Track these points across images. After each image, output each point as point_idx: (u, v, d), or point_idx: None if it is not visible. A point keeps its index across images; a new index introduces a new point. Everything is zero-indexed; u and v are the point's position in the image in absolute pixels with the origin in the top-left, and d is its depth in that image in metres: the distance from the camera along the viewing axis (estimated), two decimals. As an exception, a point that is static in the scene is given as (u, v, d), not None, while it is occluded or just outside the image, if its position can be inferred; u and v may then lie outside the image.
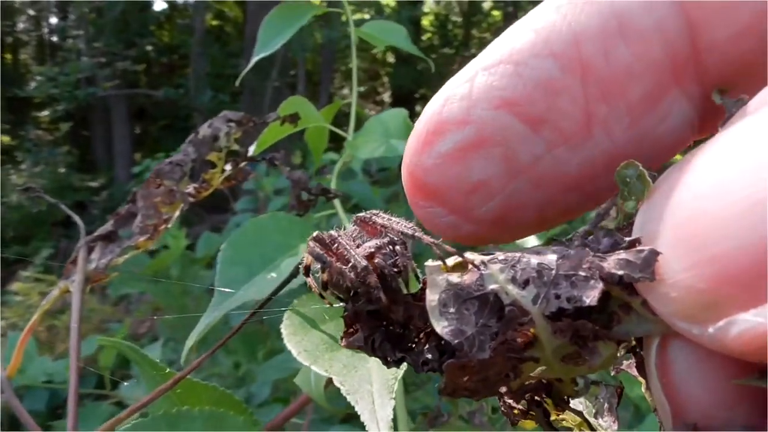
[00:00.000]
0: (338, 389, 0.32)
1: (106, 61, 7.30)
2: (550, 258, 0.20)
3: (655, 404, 0.21)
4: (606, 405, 0.33)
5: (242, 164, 0.65)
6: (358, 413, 0.31)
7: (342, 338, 0.23)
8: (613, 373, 0.31)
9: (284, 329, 0.37)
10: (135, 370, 1.68)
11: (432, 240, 0.22)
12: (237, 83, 0.81)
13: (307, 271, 0.26)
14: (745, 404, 0.18)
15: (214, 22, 9.73)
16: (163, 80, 8.63)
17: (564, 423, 0.27)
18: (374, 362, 0.33)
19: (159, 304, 2.98)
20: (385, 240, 0.23)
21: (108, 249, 0.62)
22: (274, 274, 0.51)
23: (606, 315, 0.20)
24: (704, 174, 0.17)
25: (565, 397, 0.24)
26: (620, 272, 0.19)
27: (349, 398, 0.32)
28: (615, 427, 0.32)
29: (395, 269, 0.22)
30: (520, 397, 0.25)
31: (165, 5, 9.80)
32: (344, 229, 0.25)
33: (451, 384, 0.21)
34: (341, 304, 0.24)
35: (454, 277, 0.21)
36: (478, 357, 0.19)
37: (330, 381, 0.44)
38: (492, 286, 0.20)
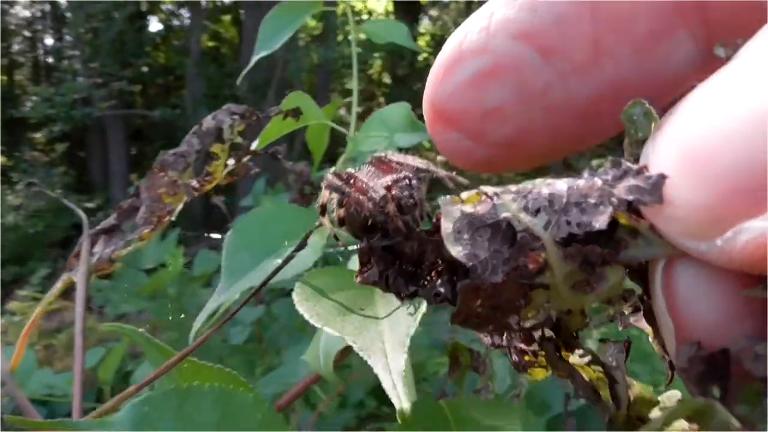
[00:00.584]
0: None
1: (102, 81, 7.33)
2: (561, 187, 0.21)
3: (658, 333, 0.21)
4: (614, 362, 0.33)
5: (245, 159, 0.65)
6: (371, 366, 0.31)
7: (357, 276, 0.24)
8: (621, 328, 0.31)
9: (296, 296, 0.38)
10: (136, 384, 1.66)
11: (446, 173, 0.23)
12: (238, 82, 0.82)
13: (323, 210, 0.27)
14: (749, 319, 0.19)
15: (210, 43, 9.81)
16: (160, 101, 8.67)
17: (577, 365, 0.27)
18: (386, 324, 0.34)
19: (157, 323, 2.96)
20: (401, 175, 0.24)
21: (111, 241, 0.63)
22: (279, 261, 0.51)
23: (614, 242, 0.20)
24: (705, 98, 0.18)
25: (575, 331, 0.25)
26: (630, 197, 0.19)
27: (361, 354, 0.32)
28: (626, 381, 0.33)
29: (411, 200, 0.23)
30: (530, 337, 0.25)
31: (161, 26, 9.87)
32: (360, 169, 0.26)
33: (465, 308, 0.21)
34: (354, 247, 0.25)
35: (468, 208, 0.21)
36: (491, 280, 0.20)
37: (340, 355, 0.44)
38: (504, 215, 0.21)
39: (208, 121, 0.60)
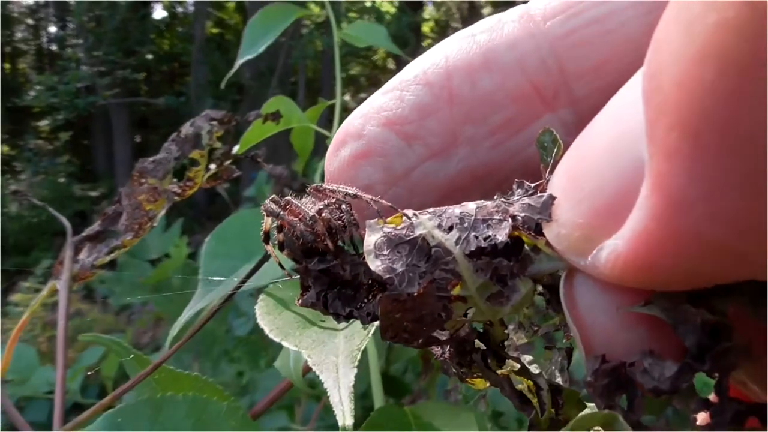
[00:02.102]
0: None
1: (106, 69, 7.33)
2: (471, 207, 0.23)
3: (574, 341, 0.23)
4: (557, 368, 0.35)
5: (226, 163, 0.66)
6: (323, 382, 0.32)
7: (298, 299, 0.26)
8: (564, 340, 0.33)
9: (258, 309, 0.39)
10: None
11: (371, 197, 0.25)
12: (222, 86, 0.83)
13: (267, 237, 0.28)
14: (642, 327, 0.20)
15: (215, 30, 9.78)
16: (164, 88, 8.67)
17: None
18: (341, 337, 0.35)
19: (161, 314, 2.99)
20: (332, 200, 0.26)
21: (96, 249, 0.64)
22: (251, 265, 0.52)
23: (522, 258, 0.23)
24: (588, 130, 0.20)
25: (500, 342, 0.26)
26: (522, 214, 0.22)
27: (314, 369, 0.33)
28: (567, 386, 0.34)
29: (340, 222, 0.25)
30: (463, 349, 0.26)
31: (165, 13, 9.84)
32: (300, 198, 0.28)
33: (388, 321, 0.23)
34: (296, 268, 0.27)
35: (390, 228, 0.23)
36: (408, 291, 0.22)
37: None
38: (420, 231, 0.23)
39: (186, 128, 0.60)
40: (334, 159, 0.28)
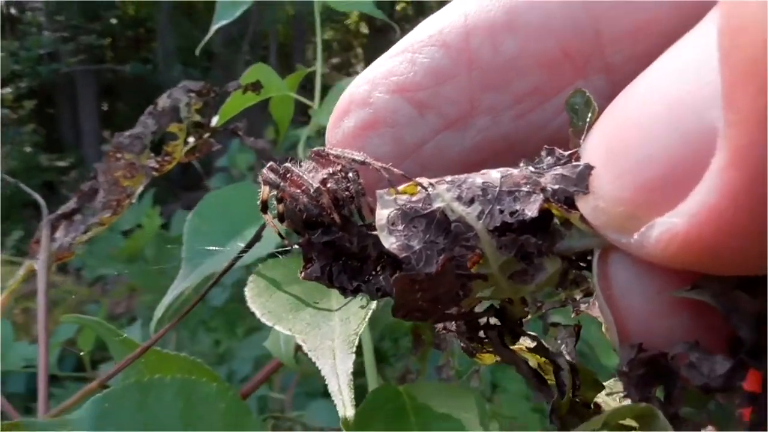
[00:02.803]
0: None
1: (69, 35, 7.08)
2: (495, 177, 0.21)
3: (606, 326, 0.21)
4: (563, 345, 0.34)
5: (205, 136, 0.64)
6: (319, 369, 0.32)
7: (300, 272, 0.24)
8: (573, 315, 0.32)
9: (248, 291, 0.38)
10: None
11: (382, 165, 0.23)
12: (197, 52, 0.80)
13: (264, 206, 0.26)
14: (684, 313, 0.19)
15: (181, -6, 9.48)
16: (130, 55, 8.41)
17: (524, 355, 0.27)
18: (337, 320, 0.34)
19: (135, 285, 2.95)
20: (337, 168, 0.24)
21: (72, 227, 0.62)
22: (241, 244, 0.51)
23: (550, 233, 0.21)
24: (632, 91, 0.18)
25: (518, 319, 0.25)
26: (556, 186, 0.20)
27: (310, 355, 0.32)
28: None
29: (347, 193, 0.23)
30: (476, 324, 0.25)
31: (128, -23, 9.49)
32: (300, 164, 0.25)
33: (402, 301, 0.21)
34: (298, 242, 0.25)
35: (403, 198, 0.21)
36: (426, 271, 0.20)
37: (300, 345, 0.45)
38: (438, 205, 0.21)
39: (163, 100, 0.58)
40: (336, 130, 0.25)
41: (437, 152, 0.25)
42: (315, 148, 0.26)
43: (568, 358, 0.33)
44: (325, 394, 0.33)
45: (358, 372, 0.52)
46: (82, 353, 1.35)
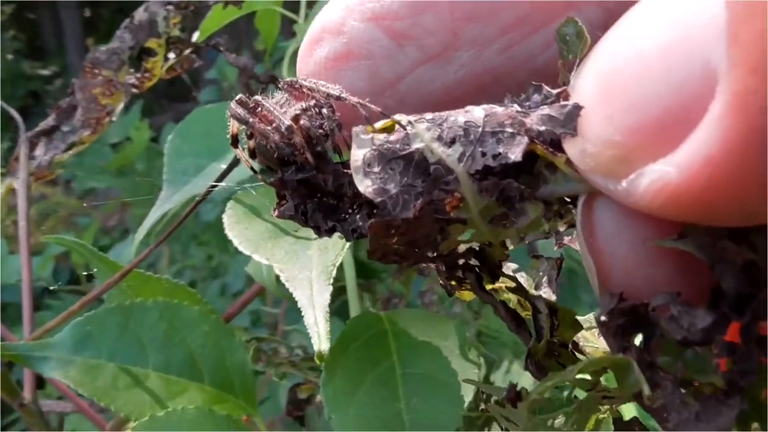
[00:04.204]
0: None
1: (47, -65, 6.70)
2: (478, 115, 0.19)
3: (588, 272, 0.21)
4: (545, 277, 0.33)
5: (186, 51, 0.62)
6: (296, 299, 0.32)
7: (274, 209, 0.23)
8: (555, 248, 0.32)
9: (226, 219, 0.37)
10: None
11: (358, 100, 0.21)
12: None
13: (235, 140, 0.25)
14: (668, 263, 0.18)
15: None
16: (112, -43, 8.01)
17: (504, 296, 0.27)
18: (315, 249, 0.34)
19: (126, 198, 2.96)
20: (311, 103, 0.22)
21: (52, 144, 0.60)
22: (223, 165, 0.50)
23: (533, 176, 0.20)
24: (626, 24, 0.17)
25: (497, 261, 0.24)
26: (542, 127, 0.18)
27: (287, 285, 0.32)
28: (554, 298, 0.33)
29: (321, 131, 0.22)
30: (454, 265, 0.25)
31: None
32: (272, 96, 0.24)
33: (377, 245, 0.20)
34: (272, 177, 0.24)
35: (380, 138, 0.20)
36: (402, 215, 0.19)
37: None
38: (417, 145, 0.19)
39: (140, 14, 0.55)
40: (308, 60, 0.23)
41: (416, 87, 0.23)
42: (287, 79, 0.24)
43: (549, 293, 0.33)
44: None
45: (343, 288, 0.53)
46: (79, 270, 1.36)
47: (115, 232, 2.76)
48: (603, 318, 0.19)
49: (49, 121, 0.61)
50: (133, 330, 0.41)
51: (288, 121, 0.22)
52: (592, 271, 0.19)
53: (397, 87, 0.23)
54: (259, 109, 0.23)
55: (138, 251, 0.52)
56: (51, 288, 1.57)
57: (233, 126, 0.25)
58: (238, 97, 0.24)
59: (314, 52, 0.23)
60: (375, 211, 0.21)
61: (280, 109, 0.23)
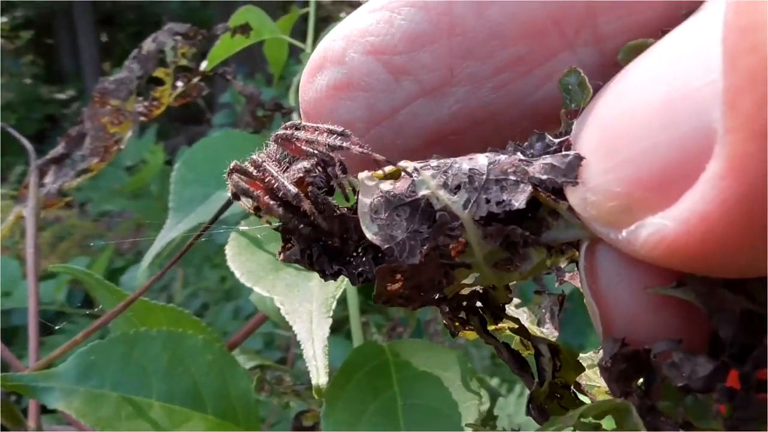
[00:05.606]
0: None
1: (65, -38, 6.86)
2: (482, 163, 0.20)
3: (591, 316, 0.21)
4: (548, 314, 0.33)
5: (195, 80, 0.63)
6: (295, 333, 0.31)
7: (279, 253, 0.23)
8: (557, 285, 0.32)
9: (228, 250, 0.37)
10: (122, 289, 1.70)
11: (361, 150, 0.22)
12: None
13: (236, 196, 0.25)
14: (669, 310, 0.18)
15: None
16: (128, -17, 8.17)
17: (506, 333, 0.27)
18: (317, 281, 0.34)
19: (140, 220, 2.98)
20: (313, 162, 0.22)
21: (62, 172, 0.61)
22: (228, 194, 0.50)
23: (536, 221, 0.20)
24: (629, 77, 0.17)
25: (501, 304, 0.24)
26: (544, 176, 0.19)
27: (287, 318, 0.32)
28: (556, 334, 0.33)
29: (327, 190, 0.22)
30: (458, 306, 0.25)
31: None
32: (266, 149, 0.24)
33: (383, 290, 0.21)
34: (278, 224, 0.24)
35: (387, 185, 0.20)
36: (409, 262, 0.20)
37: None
38: (423, 192, 0.20)
39: (148, 44, 0.56)
40: (309, 86, 0.24)
41: (412, 119, 0.23)
42: (278, 132, 0.24)
43: (552, 330, 0.32)
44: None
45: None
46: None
47: (129, 254, 2.78)
48: (606, 363, 0.19)
49: (59, 149, 0.62)
50: (136, 359, 0.41)
51: (294, 189, 0.22)
52: (595, 314, 0.19)
53: (393, 118, 0.23)
54: (261, 173, 0.23)
55: (147, 274, 0.52)
56: (65, 312, 1.58)
57: (232, 189, 0.24)
58: (234, 166, 0.23)
59: (315, 79, 0.24)
60: (380, 254, 0.21)
61: (280, 168, 0.23)
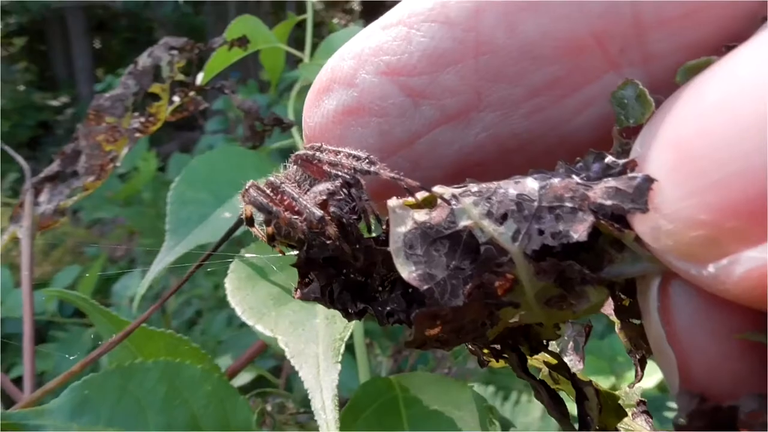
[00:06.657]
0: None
1: (58, -31, 6.83)
2: (531, 187, 0.17)
3: (655, 355, 0.18)
4: (571, 343, 0.31)
5: (191, 94, 0.61)
6: (302, 379, 0.30)
7: (296, 290, 0.21)
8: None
9: (228, 284, 0.35)
10: (115, 298, 1.68)
11: (392, 174, 0.19)
12: None
13: (250, 221, 0.23)
14: (754, 356, 0.16)
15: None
16: (121, -11, 8.13)
17: (533, 363, 0.25)
18: (322, 317, 0.32)
19: (133, 228, 2.96)
20: (338, 183, 0.20)
21: (57, 190, 0.59)
22: (228, 214, 0.49)
23: (595, 253, 0.17)
24: (708, 91, 0.15)
25: (544, 341, 0.22)
26: (608, 202, 0.16)
27: (293, 361, 0.30)
28: (580, 366, 0.30)
29: (354, 216, 0.20)
30: (495, 340, 0.22)
31: None
32: (284, 170, 0.22)
33: (421, 336, 0.18)
34: (293, 252, 0.22)
35: (421, 215, 0.18)
36: (451, 305, 0.17)
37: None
38: (464, 223, 0.17)
39: (144, 59, 0.55)
40: (314, 110, 0.21)
41: (432, 149, 0.21)
42: (299, 152, 0.21)
43: (573, 363, 0.30)
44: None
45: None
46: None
47: (123, 261, 2.76)
48: (681, 420, 0.17)
49: (54, 167, 0.60)
50: (132, 393, 0.39)
51: (319, 212, 0.20)
52: (669, 363, 0.17)
53: (410, 148, 0.21)
54: (280, 194, 0.21)
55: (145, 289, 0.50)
56: (56, 321, 1.55)
57: (247, 209, 0.23)
58: (250, 183, 0.22)
59: (322, 102, 0.21)
60: (410, 289, 0.18)
61: (300, 190, 0.21)
